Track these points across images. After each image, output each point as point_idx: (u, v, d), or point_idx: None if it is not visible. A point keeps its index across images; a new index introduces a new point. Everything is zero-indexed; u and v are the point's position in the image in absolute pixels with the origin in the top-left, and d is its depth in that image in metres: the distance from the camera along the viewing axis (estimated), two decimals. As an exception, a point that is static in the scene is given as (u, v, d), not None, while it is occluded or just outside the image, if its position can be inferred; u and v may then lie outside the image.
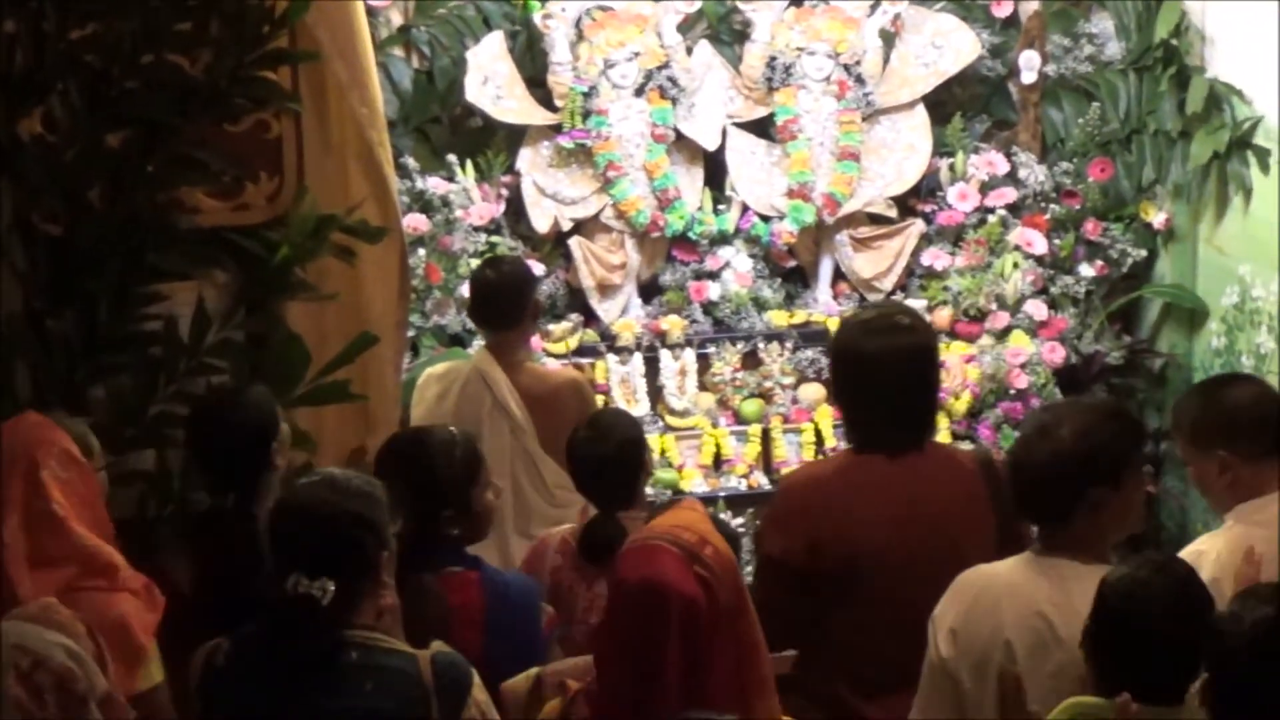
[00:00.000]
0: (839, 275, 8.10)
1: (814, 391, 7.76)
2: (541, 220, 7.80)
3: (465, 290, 7.57)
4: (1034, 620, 3.89)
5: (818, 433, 7.68)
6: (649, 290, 8.01)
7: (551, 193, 7.83)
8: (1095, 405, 4.84)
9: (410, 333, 7.34)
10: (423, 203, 7.65)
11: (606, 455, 4.80)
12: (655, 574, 3.60)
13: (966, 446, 7.08)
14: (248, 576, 4.22)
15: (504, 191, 7.84)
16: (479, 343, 6.70)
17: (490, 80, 7.77)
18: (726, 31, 8.16)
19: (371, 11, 7.58)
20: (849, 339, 4.63)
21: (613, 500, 4.78)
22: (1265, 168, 7.37)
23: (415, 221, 7.52)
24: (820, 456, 7.56)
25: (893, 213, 8.09)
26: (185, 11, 5.08)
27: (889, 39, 8.08)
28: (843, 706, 4.39)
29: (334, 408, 5.41)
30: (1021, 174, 8.04)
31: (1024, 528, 4.36)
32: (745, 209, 7.98)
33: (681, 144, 7.97)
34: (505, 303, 6.17)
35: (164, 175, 5.14)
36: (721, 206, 7.98)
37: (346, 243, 5.41)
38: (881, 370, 4.48)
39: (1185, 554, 4.12)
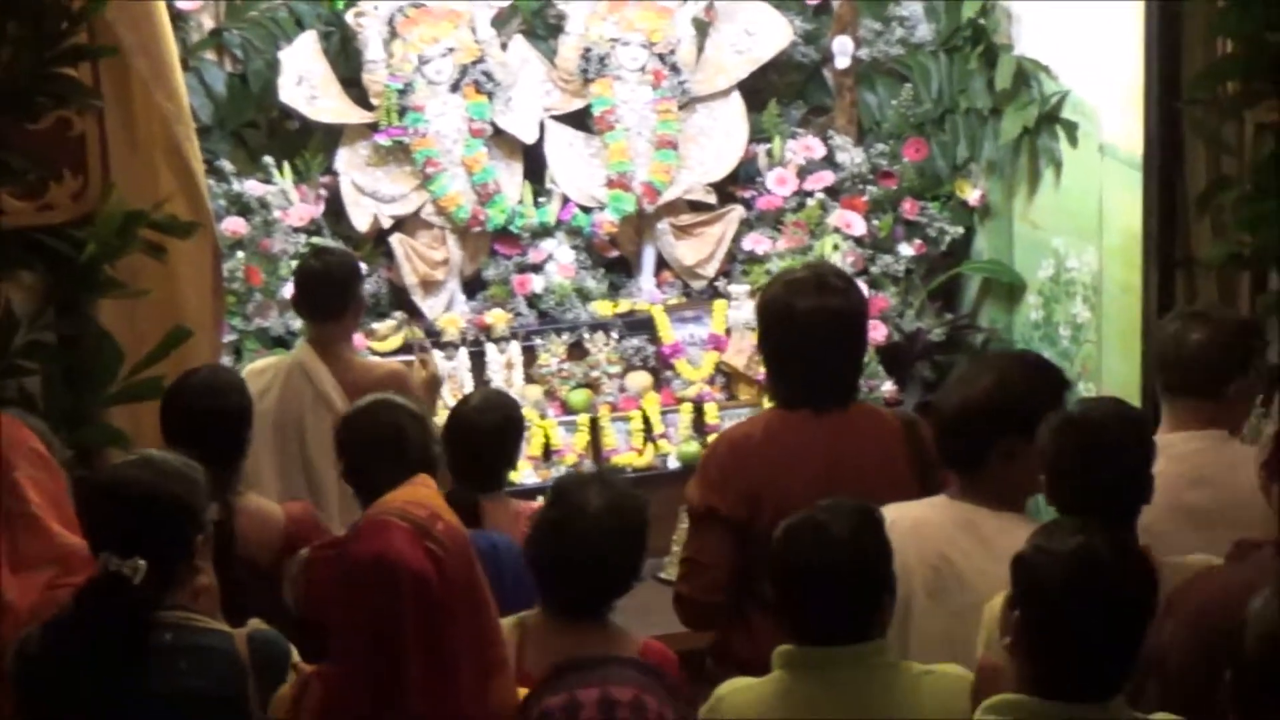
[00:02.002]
0: (662, 264, 8.13)
1: (641, 380, 7.80)
2: (361, 219, 7.77)
3: (287, 292, 7.52)
4: (936, 560, 3.94)
5: (646, 420, 7.71)
6: (473, 286, 8.00)
7: (370, 191, 7.80)
8: (1019, 356, 4.93)
9: (232, 336, 7.31)
10: (240, 205, 7.59)
11: (488, 429, 4.79)
12: (386, 549, 3.53)
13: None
14: (224, 562, 4.19)
15: (323, 192, 7.80)
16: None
17: (304, 80, 7.72)
18: (541, 26, 8.17)
19: (182, 15, 7.54)
20: (779, 297, 4.63)
21: (483, 477, 4.75)
22: (1074, 141, 7.49)
23: (234, 224, 7.47)
24: (649, 444, 7.63)
25: (712, 199, 8.14)
26: (-19, 11, 5.00)
27: (703, 28, 8.12)
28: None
29: (151, 406, 5.33)
30: (838, 157, 8.13)
31: (943, 484, 4.43)
32: (566, 201, 7.99)
33: (500, 138, 7.97)
34: (330, 294, 6.15)
35: (-36, 176, 5.07)
36: (542, 199, 7.98)
37: (156, 239, 5.34)
38: (811, 329, 4.51)
39: None
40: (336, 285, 6.15)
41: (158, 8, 5.58)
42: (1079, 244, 7.47)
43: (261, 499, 5.01)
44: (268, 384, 6.00)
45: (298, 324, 7.29)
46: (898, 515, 3.99)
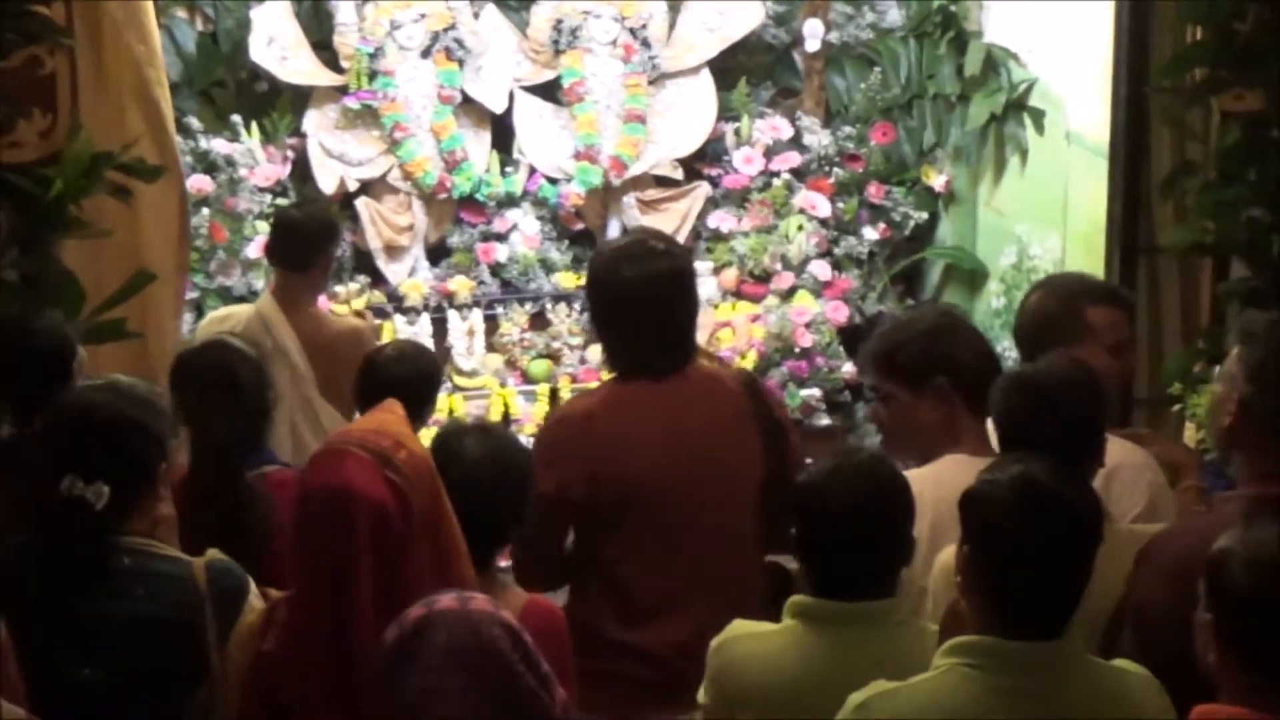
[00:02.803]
0: (627, 238, 8.14)
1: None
2: (328, 181, 7.77)
3: (250, 251, 7.53)
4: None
5: (606, 392, 7.70)
6: (437, 253, 8.01)
7: (338, 154, 7.80)
8: (936, 309, 4.95)
9: (194, 294, 7.29)
10: (206, 164, 7.59)
11: (403, 378, 4.78)
12: (341, 481, 3.43)
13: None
14: None
15: (290, 154, 7.81)
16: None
17: (275, 41, 7.73)
18: (513, -3, 8.20)
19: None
20: (604, 267, 4.56)
21: None
22: (1040, 128, 7.54)
23: (199, 182, 7.46)
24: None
25: (679, 175, 8.16)
26: (-48, -53, 4.99)
27: (675, 4, 8.15)
28: (603, 639, 4.39)
29: (112, 348, 5.29)
30: (806, 139, 8.16)
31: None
32: (533, 171, 8.01)
33: (469, 107, 7.98)
34: (302, 243, 6.13)
35: (-69, 112, 5.04)
36: (509, 169, 7.99)
37: (123, 182, 5.32)
38: (639, 296, 4.42)
39: None
40: (309, 237, 6.14)
41: (132, -50, 5.56)
42: (1042, 231, 7.51)
43: None
44: (228, 332, 5.97)
45: (260, 283, 7.30)
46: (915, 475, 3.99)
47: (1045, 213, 7.47)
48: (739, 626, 3.67)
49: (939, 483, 3.89)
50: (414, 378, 4.96)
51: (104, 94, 5.48)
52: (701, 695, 3.69)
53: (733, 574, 4.40)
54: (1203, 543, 3.15)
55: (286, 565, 3.86)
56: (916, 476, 3.87)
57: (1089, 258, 6.94)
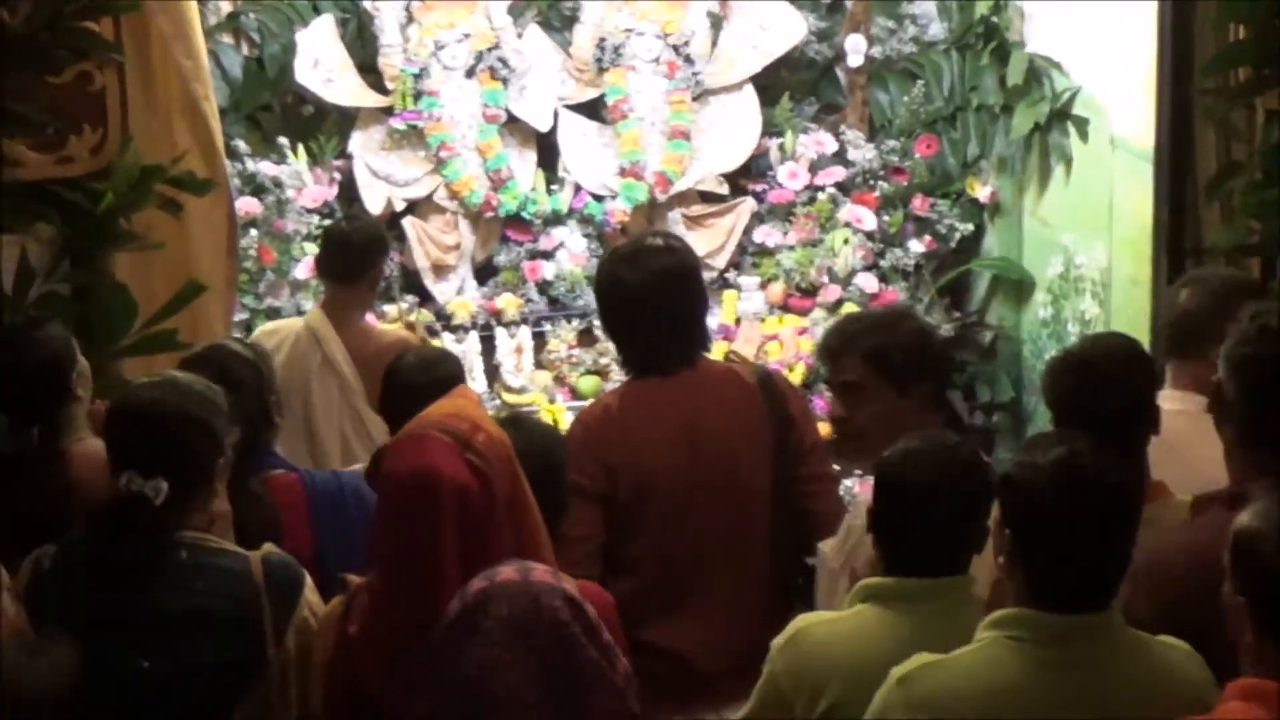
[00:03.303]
0: (673, 254, 8.15)
1: (650, 367, 7.80)
2: (374, 202, 7.81)
3: (299, 272, 7.58)
4: None
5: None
6: (484, 273, 8.04)
7: (384, 174, 7.85)
8: (899, 308, 4.93)
9: (243, 315, 7.34)
10: (254, 186, 7.64)
11: (424, 385, 4.80)
12: (424, 463, 3.47)
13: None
14: (57, 511, 4.16)
15: (336, 175, 7.86)
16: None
17: (321, 63, 7.78)
18: (556, 18, 8.23)
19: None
20: (609, 269, 4.68)
21: None
22: (1084, 136, 7.52)
23: (247, 205, 7.51)
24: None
25: (724, 190, 8.18)
26: (4, -37, 5.05)
27: (717, 21, 8.18)
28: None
29: (164, 360, 5.34)
30: (850, 153, 8.17)
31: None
32: (578, 189, 8.04)
33: (514, 126, 8.02)
34: (351, 257, 6.23)
35: (-17, 127, 5.10)
36: (554, 187, 8.03)
37: (172, 195, 5.37)
38: (643, 293, 4.53)
39: None
40: (357, 250, 6.22)
41: (179, -34, 5.62)
42: (1088, 240, 7.49)
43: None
44: (277, 345, 6.02)
45: (309, 304, 7.33)
46: None
47: (1091, 221, 7.45)
48: (804, 619, 3.66)
49: None
50: (436, 384, 4.98)
51: (152, 109, 5.55)
52: (757, 696, 3.66)
53: (745, 568, 4.44)
54: (1184, 558, 3.21)
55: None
56: None
57: (1136, 263, 6.93)
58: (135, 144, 5.32)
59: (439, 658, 3.10)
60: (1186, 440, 4.19)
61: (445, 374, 5.10)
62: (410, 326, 6.87)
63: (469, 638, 3.05)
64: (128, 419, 3.68)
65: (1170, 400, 4.43)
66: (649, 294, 4.52)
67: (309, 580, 3.80)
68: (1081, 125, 7.54)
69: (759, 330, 7.81)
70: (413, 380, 4.72)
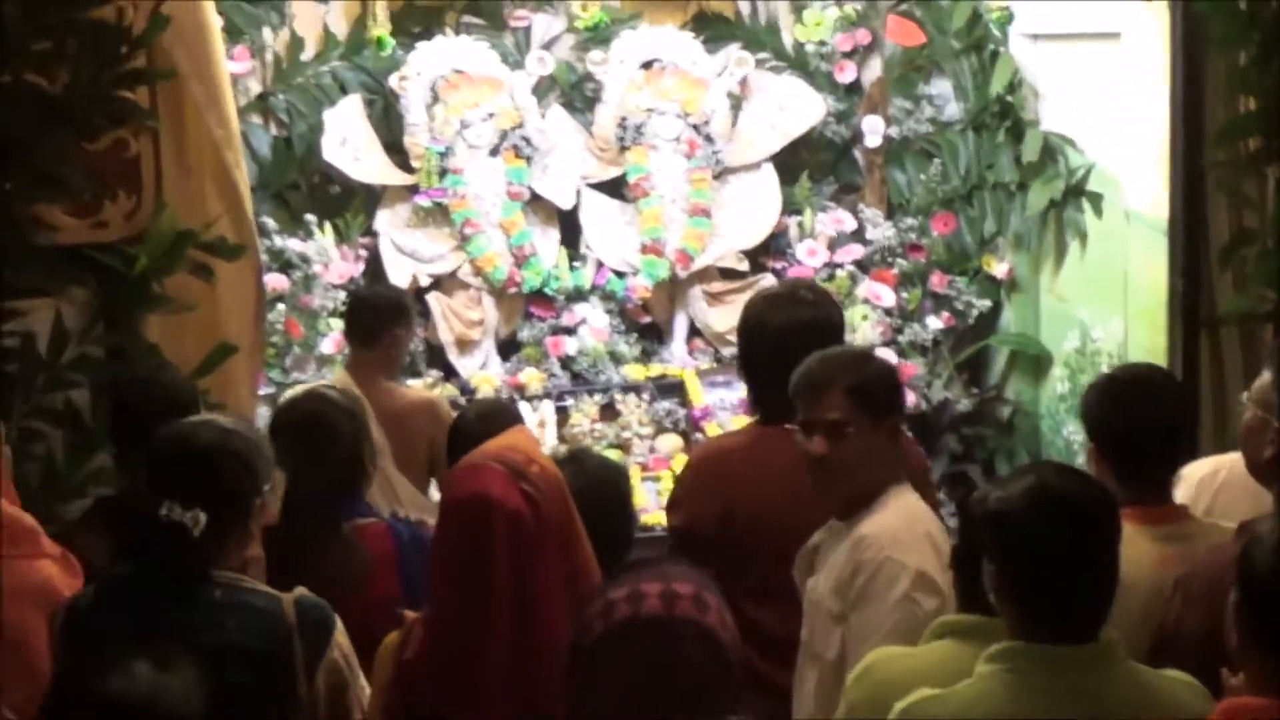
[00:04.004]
0: (694, 331, 8.27)
1: (671, 441, 7.88)
2: (400, 278, 7.92)
3: (325, 347, 7.68)
4: None
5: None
6: (507, 348, 8.15)
7: (409, 251, 7.97)
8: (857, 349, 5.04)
9: (269, 389, 7.43)
10: (282, 262, 7.75)
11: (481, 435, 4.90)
12: (480, 489, 3.62)
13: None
14: None
15: (362, 252, 7.97)
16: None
17: (348, 141, 7.92)
18: (579, 99, 8.39)
19: (230, 79, 7.74)
20: (754, 313, 4.76)
21: None
22: (1099, 211, 7.62)
23: (275, 281, 7.62)
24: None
25: (744, 267, 8.28)
26: (44, 31, 5.17)
27: (736, 101, 8.32)
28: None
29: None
30: (868, 231, 8.27)
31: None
32: (600, 266, 8.15)
33: (537, 203, 8.15)
34: (371, 318, 6.39)
35: (22, 193, 5.21)
36: (577, 263, 8.14)
37: (203, 260, 5.49)
38: (784, 341, 4.55)
39: None
40: (377, 312, 6.38)
41: (213, 36, 5.76)
42: (1104, 314, 7.58)
43: None
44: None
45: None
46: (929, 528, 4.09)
47: (1106, 295, 7.54)
48: (880, 652, 3.63)
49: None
50: (495, 433, 5.09)
51: (185, 175, 5.67)
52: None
53: None
54: (1228, 565, 3.26)
55: (383, 612, 4.00)
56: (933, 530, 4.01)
57: (1151, 335, 7.01)
58: (171, 209, 5.44)
59: (578, 678, 3.17)
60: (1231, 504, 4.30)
61: (505, 422, 5.23)
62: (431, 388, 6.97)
63: (609, 665, 3.11)
64: (171, 450, 3.78)
65: (1202, 465, 4.52)
66: (788, 341, 4.53)
67: (340, 624, 3.88)
68: (1096, 200, 7.65)
69: (779, 405, 7.88)
70: (474, 431, 4.84)
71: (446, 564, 3.68)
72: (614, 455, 7.80)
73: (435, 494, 6.08)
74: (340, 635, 3.86)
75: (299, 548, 4.37)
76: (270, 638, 3.73)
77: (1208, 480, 4.36)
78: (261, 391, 6.89)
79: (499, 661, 3.58)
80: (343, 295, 7.77)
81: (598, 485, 4.10)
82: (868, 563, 3.99)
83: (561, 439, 7.87)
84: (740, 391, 7.96)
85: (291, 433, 4.60)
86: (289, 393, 4.80)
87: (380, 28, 7.99)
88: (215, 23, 5.85)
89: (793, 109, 8.31)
